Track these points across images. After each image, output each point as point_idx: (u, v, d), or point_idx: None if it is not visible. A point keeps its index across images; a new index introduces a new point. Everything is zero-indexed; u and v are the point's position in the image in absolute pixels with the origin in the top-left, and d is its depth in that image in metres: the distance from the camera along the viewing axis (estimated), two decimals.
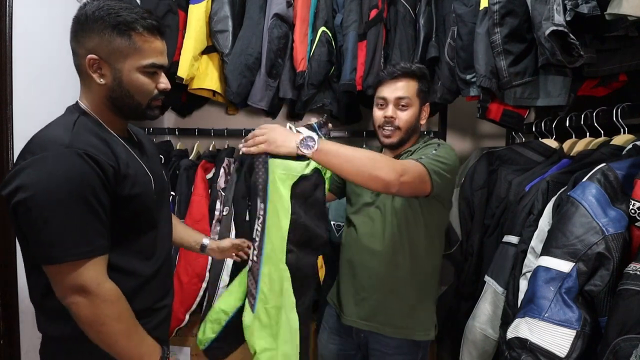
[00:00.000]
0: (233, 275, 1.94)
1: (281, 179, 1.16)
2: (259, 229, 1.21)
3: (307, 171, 1.21)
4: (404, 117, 1.39)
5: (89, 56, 0.98)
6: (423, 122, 1.46)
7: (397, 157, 1.44)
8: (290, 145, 1.12)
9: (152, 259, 1.11)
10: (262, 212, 1.19)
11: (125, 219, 1.03)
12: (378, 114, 1.43)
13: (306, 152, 1.12)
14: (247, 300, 1.25)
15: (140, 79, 1.02)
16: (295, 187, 1.17)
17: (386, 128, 1.40)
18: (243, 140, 1.18)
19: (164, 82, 1.08)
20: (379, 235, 1.42)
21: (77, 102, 1.06)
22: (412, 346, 1.44)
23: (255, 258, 1.22)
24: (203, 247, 1.45)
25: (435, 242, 1.46)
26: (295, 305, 1.22)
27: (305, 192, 1.21)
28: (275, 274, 1.20)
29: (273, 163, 1.17)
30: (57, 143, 0.93)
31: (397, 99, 1.38)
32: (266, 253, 1.20)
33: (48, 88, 1.65)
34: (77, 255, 0.92)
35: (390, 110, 1.39)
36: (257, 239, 1.21)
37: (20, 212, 0.90)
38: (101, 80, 1.01)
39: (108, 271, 0.99)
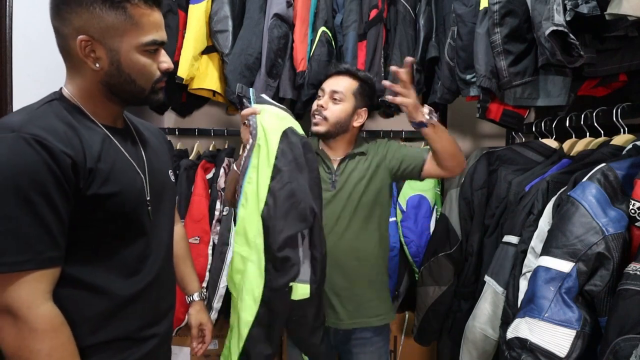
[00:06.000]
0: None
1: (272, 128, 1.16)
2: (243, 162, 1.18)
3: (299, 130, 1.21)
4: (333, 109, 1.45)
5: (80, 37, 0.82)
6: (356, 124, 1.50)
7: (346, 158, 1.50)
8: (424, 110, 1.27)
9: (139, 274, 0.93)
10: (248, 146, 1.18)
11: (98, 224, 0.85)
12: (314, 103, 1.49)
13: (432, 120, 1.27)
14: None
15: (141, 60, 0.87)
16: (285, 135, 1.16)
17: (316, 116, 1.46)
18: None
19: (166, 61, 0.92)
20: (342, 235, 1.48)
21: (60, 88, 0.92)
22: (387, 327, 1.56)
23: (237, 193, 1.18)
24: (188, 298, 1.28)
25: (384, 233, 1.55)
26: (264, 269, 1.09)
27: (294, 147, 1.15)
28: (249, 221, 1.11)
29: (264, 108, 1.20)
30: (6, 127, 0.77)
31: (332, 92, 1.45)
32: (244, 191, 1.13)
33: (48, 88, 1.64)
34: (4, 266, 0.74)
35: (322, 100, 1.46)
36: (241, 171, 1.19)
37: None
38: (97, 65, 0.85)
39: (73, 288, 0.83)
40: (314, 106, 1.48)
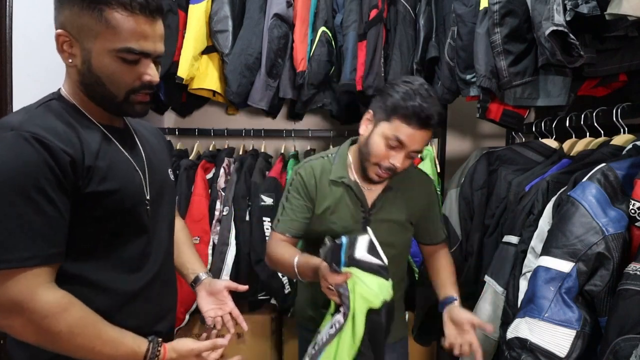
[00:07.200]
0: (233, 276, 1.94)
1: (362, 298, 1.00)
2: (324, 339, 1.07)
3: (378, 303, 1.02)
4: (405, 165, 1.22)
5: (58, 31, 0.84)
6: None
7: (383, 194, 1.31)
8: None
9: (140, 271, 0.94)
10: (337, 325, 1.04)
11: (98, 221, 0.86)
12: (383, 152, 1.19)
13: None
14: None
15: (111, 65, 0.84)
16: (374, 314, 1.02)
17: (387, 172, 1.22)
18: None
19: (150, 74, 0.87)
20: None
21: (59, 88, 0.93)
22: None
23: None
24: (196, 280, 1.14)
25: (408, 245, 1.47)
26: None
27: (379, 329, 1.04)
28: None
29: (357, 274, 1.00)
30: (5, 126, 0.78)
31: (412, 151, 1.20)
32: None
33: (48, 88, 1.64)
34: (7, 262, 0.75)
35: (400, 160, 1.19)
36: (316, 348, 1.08)
37: None
38: (70, 60, 0.85)
39: (75, 285, 0.83)
40: (383, 157, 1.19)
